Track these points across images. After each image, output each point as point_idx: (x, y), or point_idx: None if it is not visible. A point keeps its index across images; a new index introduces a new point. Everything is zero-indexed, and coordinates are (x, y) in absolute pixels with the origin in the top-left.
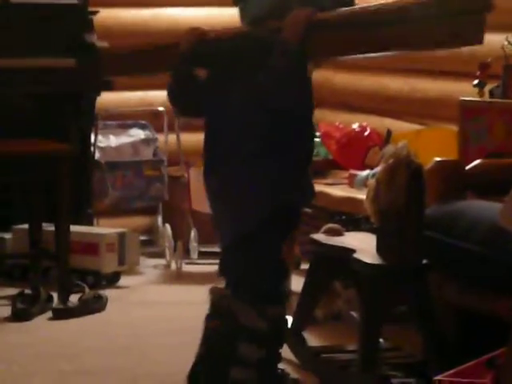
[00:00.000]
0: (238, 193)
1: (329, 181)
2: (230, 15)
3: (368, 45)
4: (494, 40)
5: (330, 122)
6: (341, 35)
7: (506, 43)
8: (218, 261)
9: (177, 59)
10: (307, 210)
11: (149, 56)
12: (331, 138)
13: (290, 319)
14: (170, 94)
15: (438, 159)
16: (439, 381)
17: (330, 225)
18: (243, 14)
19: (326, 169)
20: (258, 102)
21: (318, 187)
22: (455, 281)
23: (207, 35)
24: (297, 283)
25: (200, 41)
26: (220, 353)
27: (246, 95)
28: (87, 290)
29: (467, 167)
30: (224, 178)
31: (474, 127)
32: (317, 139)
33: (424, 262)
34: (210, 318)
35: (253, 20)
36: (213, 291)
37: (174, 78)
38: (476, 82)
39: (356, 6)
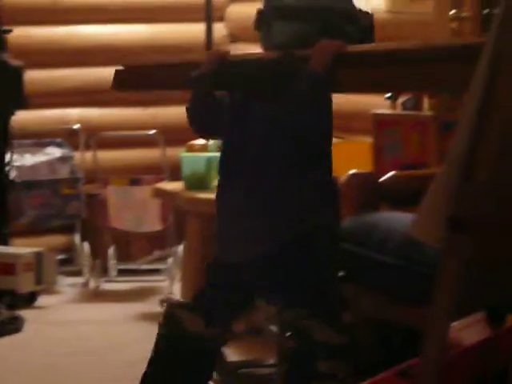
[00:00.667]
0: (274, 208)
1: None
2: (147, 32)
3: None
4: None
5: None
6: (370, 72)
7: None
8: (136, 278)
9: (198, 78)
10: None
11: (171, 72)
12: None
13: None
14: (188, 113)
15: (352, 172)
16: None
17: None
18: (265, 41)
19: None
20: (282, 125)
21: None
22: (371, 292)
23: (229, 57)
24: None
25: (222, 62)
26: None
27: (270, 118)
28: (3, 310)
29: (381, 179)
30: (251, 195)
31: (387, 139)
32: None
33: (340, 274)
34: (162, 327)
35: (275, 47)
36: (169, 302)
37: (194, 98)
38: (388, 94)
39: (391, 43)
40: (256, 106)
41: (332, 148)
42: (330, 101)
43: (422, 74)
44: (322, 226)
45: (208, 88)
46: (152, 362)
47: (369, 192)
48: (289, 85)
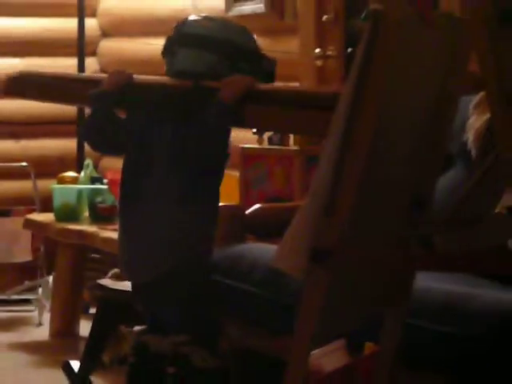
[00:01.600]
0: (155, 233)
1: (116, 227)
2: (22, 64)
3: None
4: None
5: (116, 169)
6: (272, 110)
7: None
8: (6, 308)
9: (99, 96)
10: (95, 255)
11: (68, 86)
12: (118, 185)
13: (77, 364)
14: (85, 129)
15: (220, 204)
16: None
17: (116, 270)
18: (169, 67)
19: (113, 215)
20: (183, 151)
21: (106, 233)
22: (236, 322)
23: (133, 79)
24: (85, 328)
25: (128, 84)
26: None
27: (172, 144)
28: None
29: (247, 211)
30: (144, 216)
31: (254, 173)
32: (104, 186)
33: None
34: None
35: (177, 72)
36: (137, 333)
37: (94, 115)
38: (255, 129)
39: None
40: (159, 130)
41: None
42: (229, 133)
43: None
44: (200, 256)
45: (109, 107)
46: None
47: (235, 224)
48: (195, 113)
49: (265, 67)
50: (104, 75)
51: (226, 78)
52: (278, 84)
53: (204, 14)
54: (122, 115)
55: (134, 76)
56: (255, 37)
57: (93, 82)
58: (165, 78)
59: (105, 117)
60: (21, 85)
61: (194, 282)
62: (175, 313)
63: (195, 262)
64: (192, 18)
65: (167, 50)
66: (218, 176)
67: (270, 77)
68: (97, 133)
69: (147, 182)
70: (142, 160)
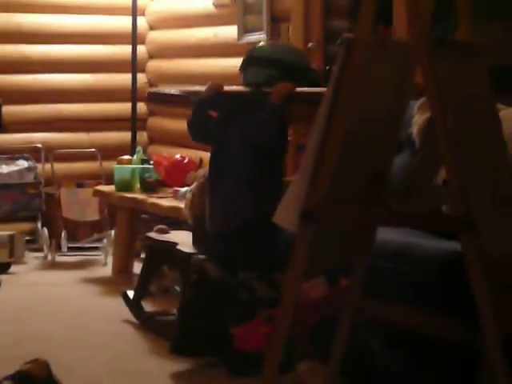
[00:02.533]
0: (232, 197)
1: (159, 195)
2: (90, 79)
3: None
4: None
5: (160, 153)
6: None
7: None
8: (81, 253)
9: (198, 102)
10: (144, 215)
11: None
12: (161, 165)
13: (132, 293)
14: (188, 126)
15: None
16: (233, 333)
17: (160, 226)
18: (242, 80)
19: (158, 187)
20: (250, 139)
21: (152, 200)
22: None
23: (222, 89)
24: (137, 267)
25: (218, 92)
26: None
27: (242, 133)
28: None
29: None
30: (224, 187)
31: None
32: (151, 166)
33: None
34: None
35: (247, 84)
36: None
37: (193, 115)
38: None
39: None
40: (234, 124)
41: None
42: (285, 125)
43: None
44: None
45: (204, 108)
46: (186, 301)
47: None
48: (257, 111)
49: (310, 78)
50: (202, 87)
51: (276, 86)
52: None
53: (269, 40)
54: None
55: (228, 87)
56: (304, 55)
57: (196, 93)
58: (240, 88)
59: (200, 116)
60: (156, 97)
61: (259, 232)
62: (247, 253)
63: (260, 219)
64: (259, 44)
65: (241, 68)
66: (279, 158)
67: (316, 85)
68: (196, 127)
69: (227, 162)
70: (223, 146)
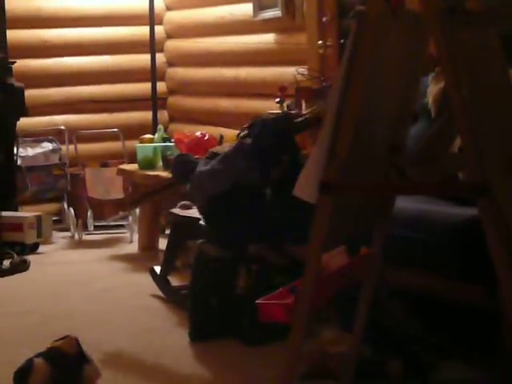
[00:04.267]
0: None
1: None
2: (109, 61)
3: None
4: (288, 71)
5: (180, 131)
6: None
7: (296, 73)
8: (107, 231)
9: None
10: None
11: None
12: (182, 143)
13: (158, 269)
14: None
15: None
16: (258, 304)
17: (183, 202)
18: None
19: None
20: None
21: None
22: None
23: None
24: (162, 243)
25: None
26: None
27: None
28: (15, 256)
29: None
30: None
31: None
32: (172, 144)
33: None
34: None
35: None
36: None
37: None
38: (278, 99)
39: None
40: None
41: None
42: None
43: None
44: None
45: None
46: (192, 286)
47: None
48: None
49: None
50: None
51: None
52: None
53: None
54: None
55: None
56: None
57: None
58: None
59: None
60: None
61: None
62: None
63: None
64: None
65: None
66: None
67: None
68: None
69: None
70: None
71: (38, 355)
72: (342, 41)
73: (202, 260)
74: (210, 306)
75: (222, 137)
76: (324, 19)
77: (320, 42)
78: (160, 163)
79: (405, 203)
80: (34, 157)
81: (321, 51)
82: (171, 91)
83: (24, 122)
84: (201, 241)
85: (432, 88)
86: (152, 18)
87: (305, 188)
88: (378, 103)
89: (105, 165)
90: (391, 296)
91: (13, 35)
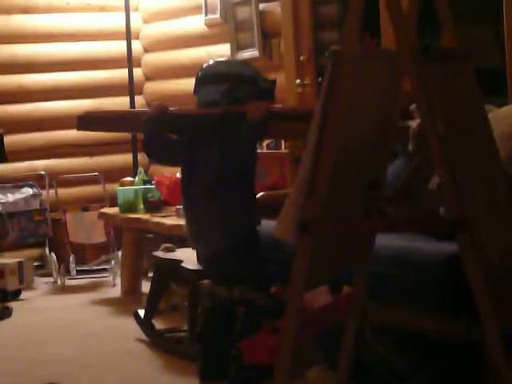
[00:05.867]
0: (208, 224)
1: (163, 214)
2: (90, 105)
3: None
4: None
5: (161, 173)
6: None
7: None
8: (89, 276)
9: (145, 123)
10: (149, 235)
11: (124, 119)
12: (163, 185)
13: (142, 312)
14: (147, 148)
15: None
16: (241, 347)
17: (166, 244)
18: (197, 101)
19: (161, 206)
20: (230, 160)
21: (156, 219)
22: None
23: (167, 109)
24: (146, 286)
25: (163, 112)
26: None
27: (219, 154)
28: None
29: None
30: (198, 212)
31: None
32: (153, 186)
33: None
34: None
35: (202, 105)
36: (207, 286)
37: (149, 137)
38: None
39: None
40: (208, 146)
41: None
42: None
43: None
44: (245, 233)
45: (157, 128)
46: (204, 328)
47: None
48: (231, 134)
49: (262, 86)
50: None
51: (250, 104)
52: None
53: (215, 59)
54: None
55: (173, 108)
56: (253, 65)
57: (142, 114)
58: (194, 108)
59: (155, 136)
60: (89, 122)
61: (244, 252)
62: (236, 271)
63: (241, 239)
64: (206, 64)
65: (194, 90)
66: (252, 174)
67: (268, 91)
68: (155, 149)
69: (201, 184)
70: (192, 173)
71: None
72: (319, 79)
73: (216, 304)
74: (222, 350)
75: None
76: (301, 58)
77: (298, 80)
78: (141, 206)
79: (388, 240)
80: (14, 202)
81: (299, 90)
82: None
83: (4, 168)
84: (208, 281)
85: (410, 123)
86: (130, 61)
87: (284, 228)
88: (356, 140)
89: (86, 209)
90: (376, 334)
91: None
